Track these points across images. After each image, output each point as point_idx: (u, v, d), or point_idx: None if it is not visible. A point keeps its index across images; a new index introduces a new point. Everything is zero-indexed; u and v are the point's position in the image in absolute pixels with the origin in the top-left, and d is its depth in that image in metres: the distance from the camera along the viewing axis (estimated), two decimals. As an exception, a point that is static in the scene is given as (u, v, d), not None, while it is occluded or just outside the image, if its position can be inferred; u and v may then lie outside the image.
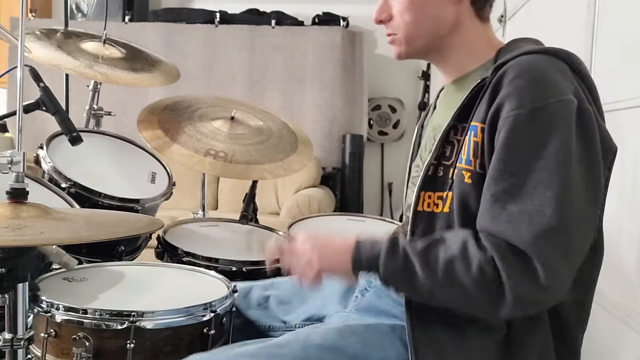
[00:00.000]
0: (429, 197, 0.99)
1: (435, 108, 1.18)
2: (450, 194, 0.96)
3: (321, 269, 0.98)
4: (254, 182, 1.95)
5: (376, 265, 0.93)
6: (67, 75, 2.34)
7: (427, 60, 1.11)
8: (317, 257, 0.98)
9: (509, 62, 0.93)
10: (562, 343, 0.97)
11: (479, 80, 0.96)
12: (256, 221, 2.00)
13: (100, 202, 1.63)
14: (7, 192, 1.05)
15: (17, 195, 1.05)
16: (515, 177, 0.87)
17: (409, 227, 1.01)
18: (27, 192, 1.06)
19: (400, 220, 1.39)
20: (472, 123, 0.95)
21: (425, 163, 1.00)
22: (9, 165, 1.04)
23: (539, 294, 0.85)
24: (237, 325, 1.24)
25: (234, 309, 1.22)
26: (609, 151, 0.95)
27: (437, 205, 0.98)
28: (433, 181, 0.99)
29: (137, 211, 1.69)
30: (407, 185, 1.16)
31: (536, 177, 0.85)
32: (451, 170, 0.97)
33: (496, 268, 0.85)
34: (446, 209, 0.96)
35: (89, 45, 1.96)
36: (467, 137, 0.95)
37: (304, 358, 0.95)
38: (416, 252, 0.91)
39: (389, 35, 1.08)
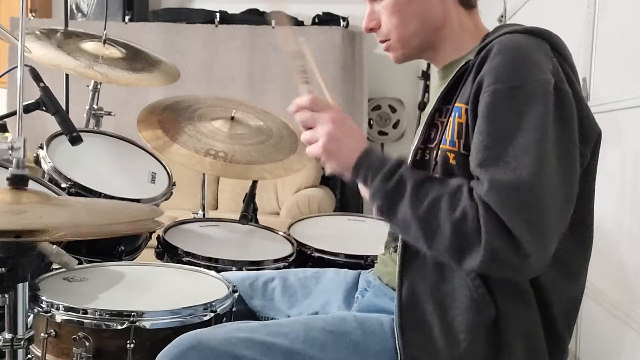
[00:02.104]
0: None
1: None
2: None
3: (326, 149, 0.98)
4: (254, 182, 1.95)
5: (372, 179, 0.94)
6: (67, 75, 2.34)
7: (424, 59, 1.13)
8: (329, 138, 0.97)
9: (491, 42, 0.94)
10: (551, 331, 0.98)
11: (462, 64, 0.98)
12: (256, 221, 2.00)
13: (100, 202, 1.63)
14: (8, 179, 1.04)
15: (18, 182, 1.04)
16: (491, 151, 0.87)
17: None
18: (28, 179, 1.06)
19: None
20: (456, 104, 0.96)
21: (413, 147, 1.02)
22: (10, 151, 1.03)
23: (511, 258, 0.84)
24: (239, 312, 1.24)
25: (234, 308, 1.22)
26: (591, 134, 0.95)
27: None
28: (421, 165, 1.00)
29: (137, 211, 1.69)
30: None
31: (511, 152, 0.86)
32: (435, 152, 0.98)
33: (478, 218, 0.85)
34: None
35: (89, 45, 1.96)
36: (450, 118, 0.96)
37: (305, 339, 0.96)
38: (413, 179, 0.91)
39: (382, 42, 1.09)
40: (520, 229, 0.83)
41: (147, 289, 1.29)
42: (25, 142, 1.05)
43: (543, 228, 0.85)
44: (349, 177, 0.98)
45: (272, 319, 1.25)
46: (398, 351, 0.95)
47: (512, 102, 0.88)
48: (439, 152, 0.96)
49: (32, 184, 1.14)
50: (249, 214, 1.91)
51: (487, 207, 0.85)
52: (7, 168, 1.07)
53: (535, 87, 0.88)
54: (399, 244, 0.99)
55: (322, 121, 0.99)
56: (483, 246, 0.84)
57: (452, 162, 0.94)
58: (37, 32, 1.91)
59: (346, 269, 1.32)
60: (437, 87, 1.13)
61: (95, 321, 1.08)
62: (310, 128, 1.01)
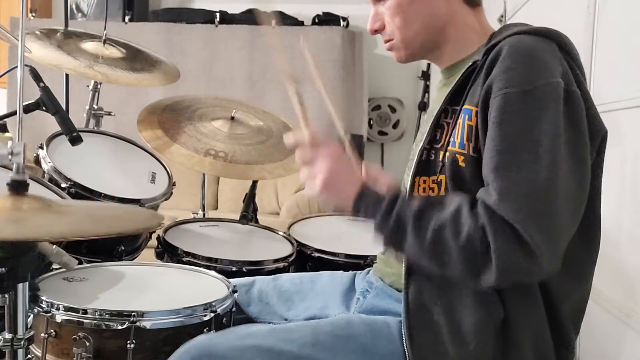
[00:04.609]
0: (424, 181, 1.00)
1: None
2: (442, 177, 0.97)
3: (325, 186, 0.98)
4: (254, 182, 1.95)
5: (372, 217, 0.95)
6: (67, 75, 2.33)
7: (428, 59, 1.12)
8: (326, 177, 0.98)
9: (499, 43, 0.94)
10: (558, 332, 0.98)
11: (469, 64, 0.97)
12: (256, 221, 2.00)
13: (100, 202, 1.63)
14: (8, 184, 1.04)
15: (18, 188, 1.04)
16: (504, 156, 0.88)
17: None
18: (28, 184, 1.05)
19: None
20: (465, 106, 0.96)
21: (419, 148, 1.01)
22: (10, 157, 1.03)
23: (524, 267, 0.85)
24: (237, 322, 1.23)
25: (234, 308, 1.22)
26: (598, 134, 0.95)
27: (432, 189, 0.99)
28: (426, 166, 1.00)
29: (137, 211, 1.69)
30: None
31: (525, 157, 0.87)
32: (442, 153, 0.98)
33: (485, 237, 0.85)
34: (442, 193, 0.97)
35: (89, 45, 1.96)
36: (459, 120, 0.96)
37: (314, 343, 0.96)
38: (411, 214, 0.92)
39: (386, 42, 1.09)
40: (534, 234, 0.83)
41: (147, 289, 1.29)
42: (25, 148, 1.04)
43: (556, 232, 0.86)
44: (349, 212, 0.99)
45: (270, 323, 1.24)
46: (406, 353, 0.95)
47: (524, 106, 0.88)
48: (447, 153, 0.96)
49: (32, 185, 1.14)
50: (249, 214, 1.91)
51: (495, 219, 0.85)
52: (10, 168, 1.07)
53: (546, 90, 0.88)
54: None
55: (319, 157, 1.00)
56: (494, 263, 0.85)
57: (462, 164, 0.94)
58: (37, 32, 1.91)
59: (341, 271, 1.32)
60: (440, 87, 1.12)
61: (95, 321, 1.08)
62: (308, 164, 1.01)
